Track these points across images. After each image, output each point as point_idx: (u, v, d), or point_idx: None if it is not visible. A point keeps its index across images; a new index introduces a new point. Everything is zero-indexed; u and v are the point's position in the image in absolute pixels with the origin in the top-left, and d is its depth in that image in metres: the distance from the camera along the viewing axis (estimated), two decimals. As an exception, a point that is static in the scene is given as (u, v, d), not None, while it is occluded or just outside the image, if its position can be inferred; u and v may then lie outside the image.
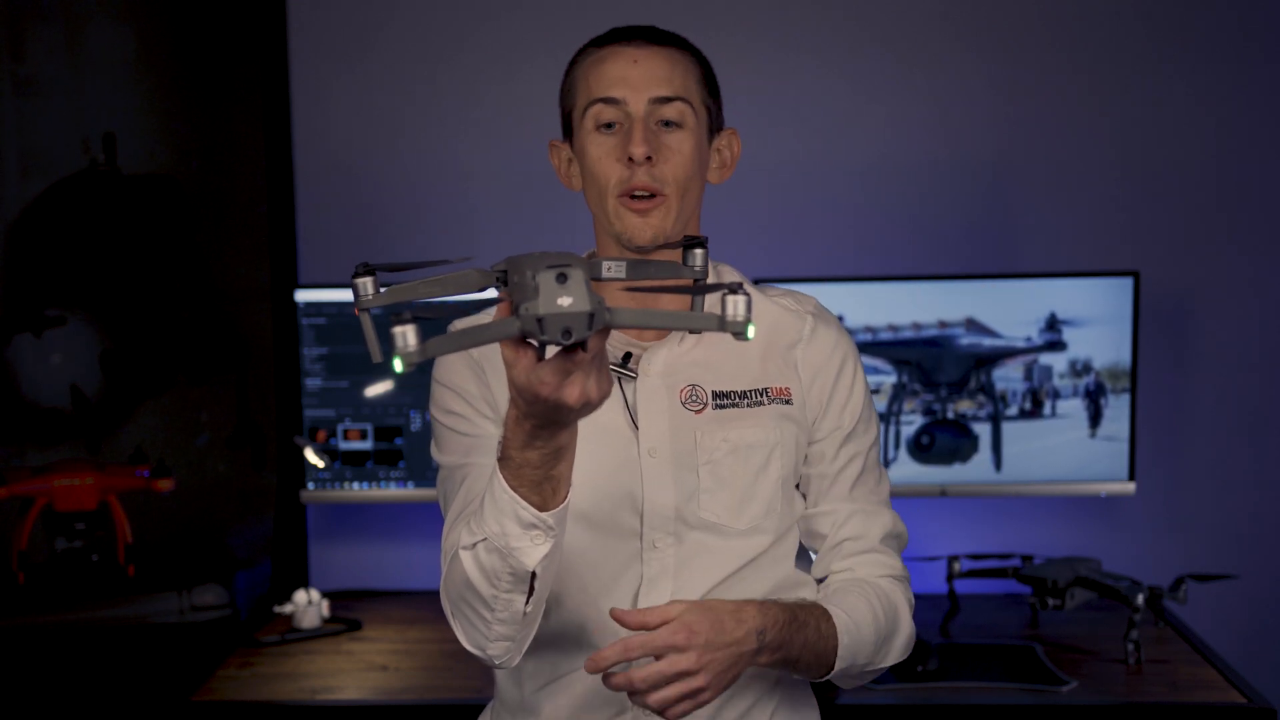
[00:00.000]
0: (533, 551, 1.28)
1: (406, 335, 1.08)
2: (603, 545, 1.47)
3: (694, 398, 1.48)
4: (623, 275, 1.23)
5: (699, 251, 1.29)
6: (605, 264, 1.21)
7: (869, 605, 1.45)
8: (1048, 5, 2.68)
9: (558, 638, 1.49)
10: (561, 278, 1.06)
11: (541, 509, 1.26)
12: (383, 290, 1.21)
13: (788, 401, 1.50)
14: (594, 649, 1.48)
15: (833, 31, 2.70)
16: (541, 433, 1.22)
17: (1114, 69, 2.68)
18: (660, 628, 1.28)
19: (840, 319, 1.65)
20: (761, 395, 1.49)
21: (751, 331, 1.11)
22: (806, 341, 1.53)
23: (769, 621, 1.34)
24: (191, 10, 2.83)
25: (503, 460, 1.26)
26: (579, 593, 1.48)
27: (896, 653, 1.49)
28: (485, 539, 1.29)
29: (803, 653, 1.39)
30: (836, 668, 1.41)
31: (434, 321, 1.18)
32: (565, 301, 1.06)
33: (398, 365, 1.08)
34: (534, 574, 1.30)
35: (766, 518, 1.49)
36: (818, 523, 1.54)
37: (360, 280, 1.22)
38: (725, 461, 1.47)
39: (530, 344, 1.15)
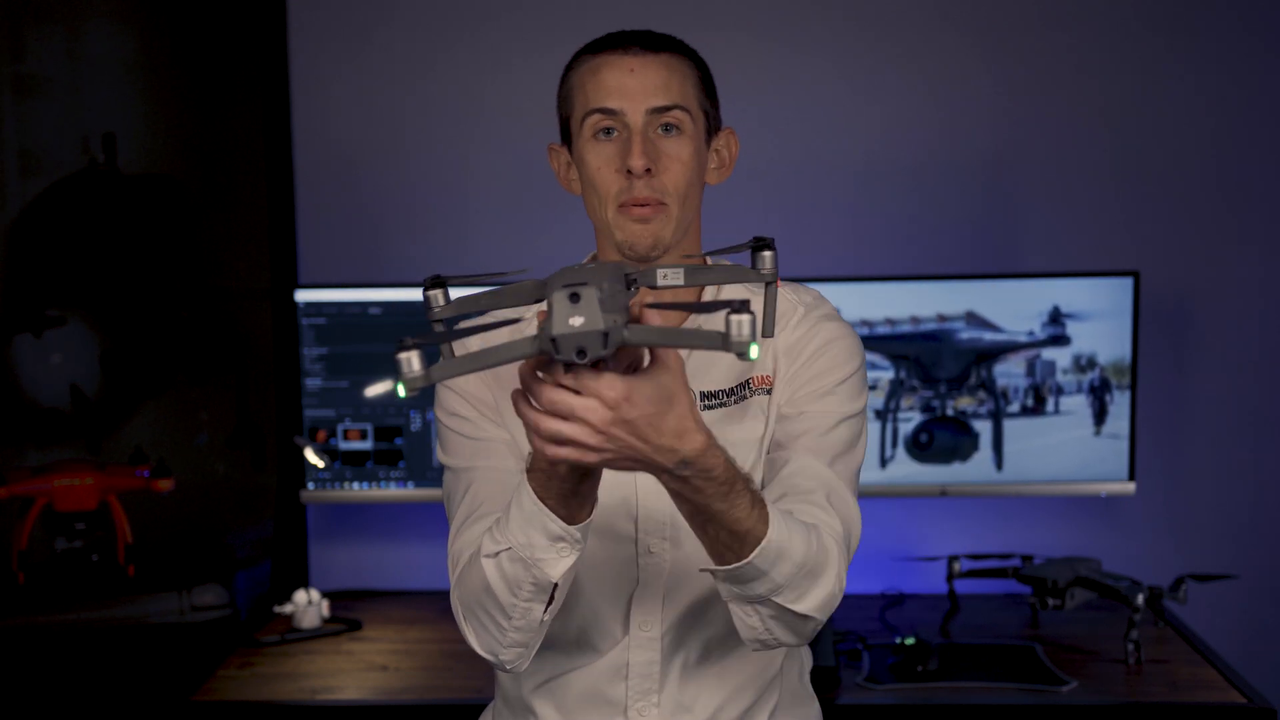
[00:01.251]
0: (558, 564, 1.29)
1: (411, 361, 1.08)
2: (600, 549, 1.47)
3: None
4: (680, 282, 1.21)
5: (768, 254, 1.23)
6: (660, 272, 1.19)
7: (805, 533, 1.30)
8: (1049, 5, 2.68)
9: (556, 638, 1.50)
10: (574, 297, 1.06)
11: (569, 522, 1.27)
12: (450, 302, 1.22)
13: (769, 391, 1.48)
14: (593, 651, 1.49)
15: (832, 31, 2.70)
16: None
17: (1114, 69, 2.68)
18: (615, 378, 1.12)
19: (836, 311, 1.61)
20: (744, 388, 1.48)
21: (755, 352, 1.08)
22: (792, 328, 1.49)
23: (702, 464, 1.19)
24: (191, 10, 2.83)
25: (531, 471, 1.26)
26: (577, 594, 1.48)
27: (815, 601, 1.31)
28: (509, 548, 1.29)
29: (718, 518, 1.23)
30: (750, 559, 1.25)
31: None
32: (576, 321, 1.06)
33: (401, 390, 1.09)
34: (555, 584, 1.31)
35: None
36: (769, 466, 1.44)
37: (432, 292, 1.23)
38: None
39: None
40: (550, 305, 1.07)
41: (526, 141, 2.69)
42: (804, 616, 1.31)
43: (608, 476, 1.45)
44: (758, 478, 1.47)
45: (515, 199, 2.73)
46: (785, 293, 1.54)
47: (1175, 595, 2.36)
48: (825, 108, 2.71)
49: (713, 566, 1.28)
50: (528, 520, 1.27)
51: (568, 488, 1.25)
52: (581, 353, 1.06)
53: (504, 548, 1.30)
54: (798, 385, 1.46)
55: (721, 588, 1.31)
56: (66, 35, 2.83)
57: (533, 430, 1.15)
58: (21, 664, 2.43)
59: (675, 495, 1.24)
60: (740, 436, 1.47)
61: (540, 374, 1.15)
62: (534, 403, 1.15)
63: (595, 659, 1.49)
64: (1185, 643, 2.39)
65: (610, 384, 1.11)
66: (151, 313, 2.87)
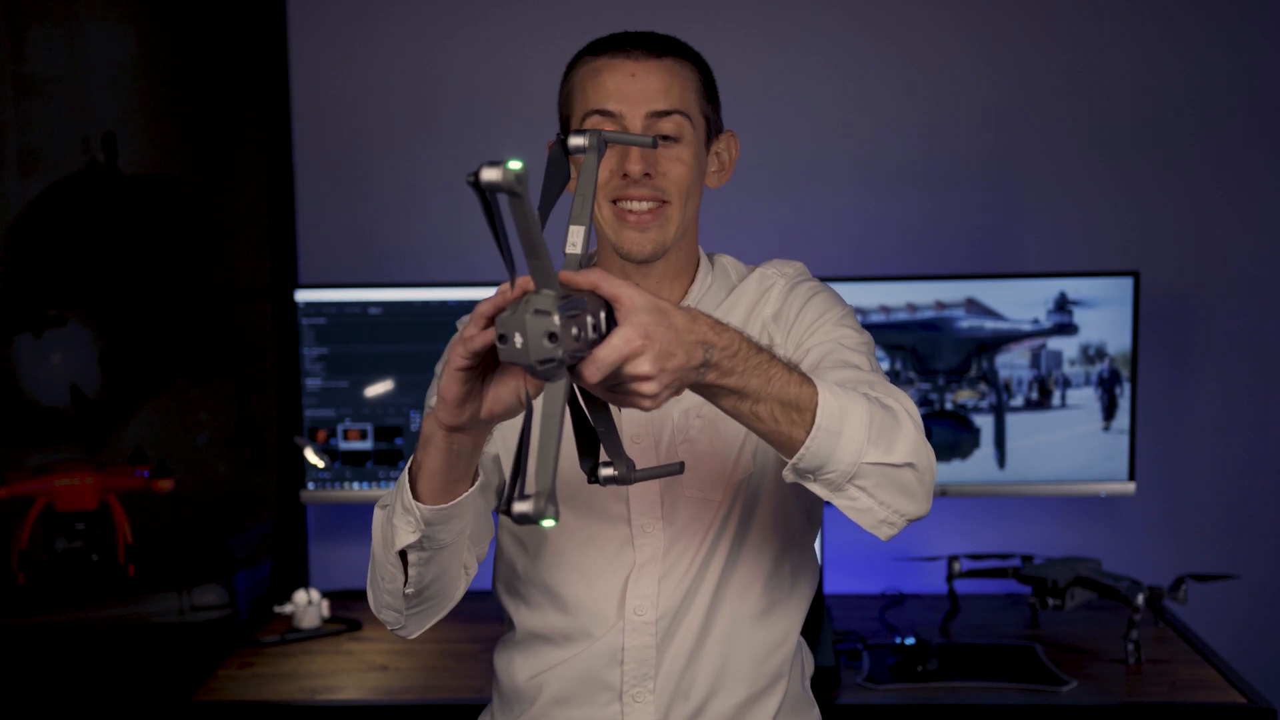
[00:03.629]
0: (403, 534, 1.32)
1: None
2: (593, 531, 1.49)
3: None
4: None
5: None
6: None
7: (855, 391, 1.27)
8: (1050, 4, 2.68)
9: (551, 625, 1.51)
10: (503, 339, 1.04)
11: (416, 496, 1.30)
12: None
13: None
14: (588, 637, 1.50)
15: (833, 29, 2.70)
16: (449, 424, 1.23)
17: (1115, 68, 2.68)
18: (614, 334, 1.08)
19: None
20: None
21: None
22: (774, 299, 1.53)
23: (720, 342, 1.16)
24: (191, 10, 2.83)
25: (424, 437, 1.27)
26: (575, 579, 1.49)
27: (906, 447, 1.27)
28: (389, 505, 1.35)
29: (765, 396, 1.20)
30: (818, 424, 1.22)
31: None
32: (519, 344, 1.04)
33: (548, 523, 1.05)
34: (405, 555, 1.34)
35: (752, 480, 1.49)
36: None
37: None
38: (701, 437, 1.48)
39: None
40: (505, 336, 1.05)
41: (528, 140, 2.68)
42: (903, 466, 1.26)
43: None
44: (750, 447, 1.48)
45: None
46: (765, 269, 1.56)
47: (1175, 595, 2.36)
48: (824, 106, 2.71)
49: (791, 462, 1.24)
50: (400, 482, 1.32)
51: (434, 464, 1.26)
52: (550, 352, 1.02)
53: (388, 503, 1.35)
54: (797, 339, 1.48)
55: (818, 489, 1.26)
56: (66, 35, 2.83)
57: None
58: (21, 664, 2.43)
59: (718, 396, 1.19)
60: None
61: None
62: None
63: (590, 644, 1.50)
64: (1185, 643, 2.39)
65: (625, 338, 1.08)
66: (151, 313, 2.87)
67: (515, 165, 0.99)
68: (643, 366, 1.08)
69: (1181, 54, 2.67)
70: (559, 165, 1.26)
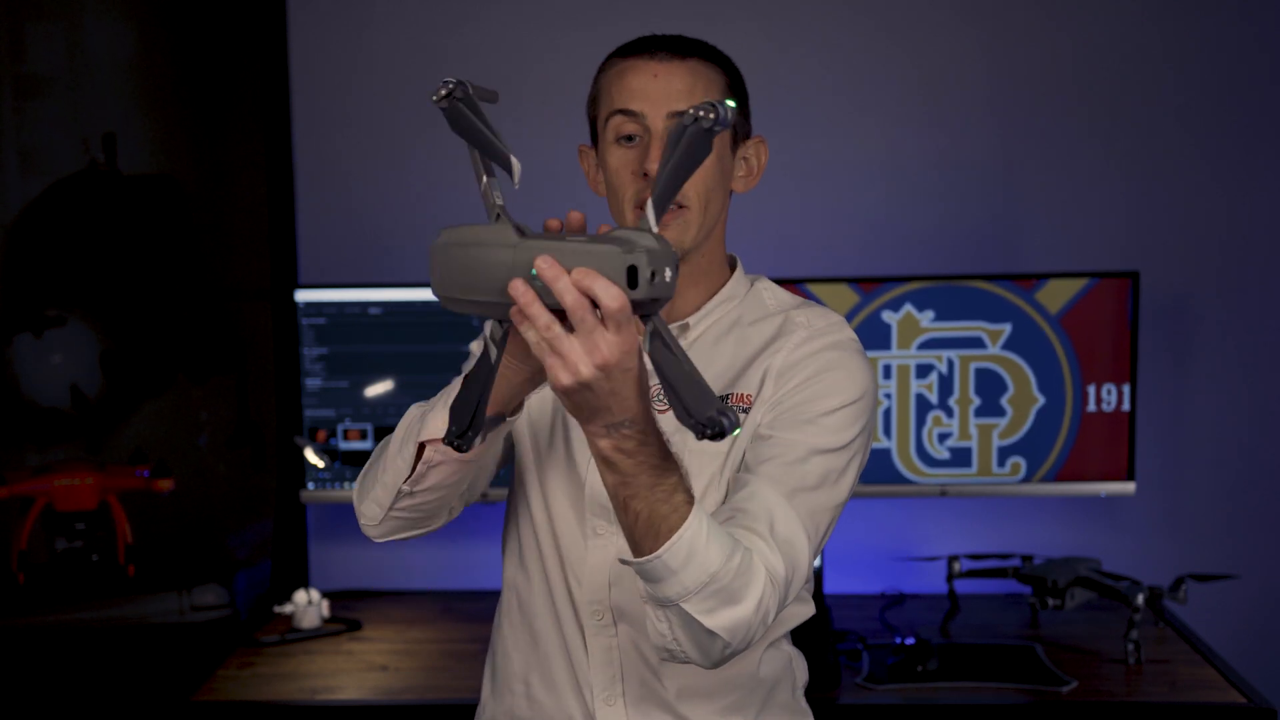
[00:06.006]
0: (433, 423, 1.36)
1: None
2: (565, 517, 1.49)
3: (661, 396, 1.46)
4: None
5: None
6: None
7: (730, 548, 1.26)
8: (1051, 5, 2.68)
9: (534, 610, 1.52)
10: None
11: None
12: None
13: (746, 410, 1.45)
14: (559, 632, 1.50)
15: (834, 30, 2.70)
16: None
17: (1115, 68, 2.68)
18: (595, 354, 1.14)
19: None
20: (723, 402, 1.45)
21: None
22: (790, 349, 1.46)
23: (640, 425, 1.19)
24: (191, 10, 2.83)
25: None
26: (553, 565, 1.50)
27: (725, 621, 1.26)
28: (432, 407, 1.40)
29: (642, 495, 1.22)
30: (661, 553, 1.22)
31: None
32: (641, 254, 1.12)
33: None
34: (422, 448, 1.38)
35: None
36: (732, 488, 1.41)
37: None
38: None
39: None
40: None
41: (528, 139, 2.69)
42: (712, 634, 1.26)
43: (569, 450, 1.49)
44: (714, 494, 1.44)
45: (518, 198, 2.72)
46: (797, 313, 1.50)
47: (1175, 595, 2.36)
48: (824, 107, 2.71)
49: (629, 558, 1.27)
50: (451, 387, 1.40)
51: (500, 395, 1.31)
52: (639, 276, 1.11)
53: (433, 401, 1.40)
54: (782, 409, 1.42)
55: (639, 586, 1.29)
56: (66, 35, 2.83)
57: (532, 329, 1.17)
58: (21, 664, 2.44)
59: (608, 464, 1.22)
60: (695, 446, 1.43)
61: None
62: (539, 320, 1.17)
63: (562, 643, 1.50)
64: (1185, 643, 2.39)
65: (605, 346, 1.13)
66: (151, 313, 2.87)
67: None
68: (585, 369, 1.14)
69: (1181, 54, 2.67)
70: (459, 120, 1.32)
